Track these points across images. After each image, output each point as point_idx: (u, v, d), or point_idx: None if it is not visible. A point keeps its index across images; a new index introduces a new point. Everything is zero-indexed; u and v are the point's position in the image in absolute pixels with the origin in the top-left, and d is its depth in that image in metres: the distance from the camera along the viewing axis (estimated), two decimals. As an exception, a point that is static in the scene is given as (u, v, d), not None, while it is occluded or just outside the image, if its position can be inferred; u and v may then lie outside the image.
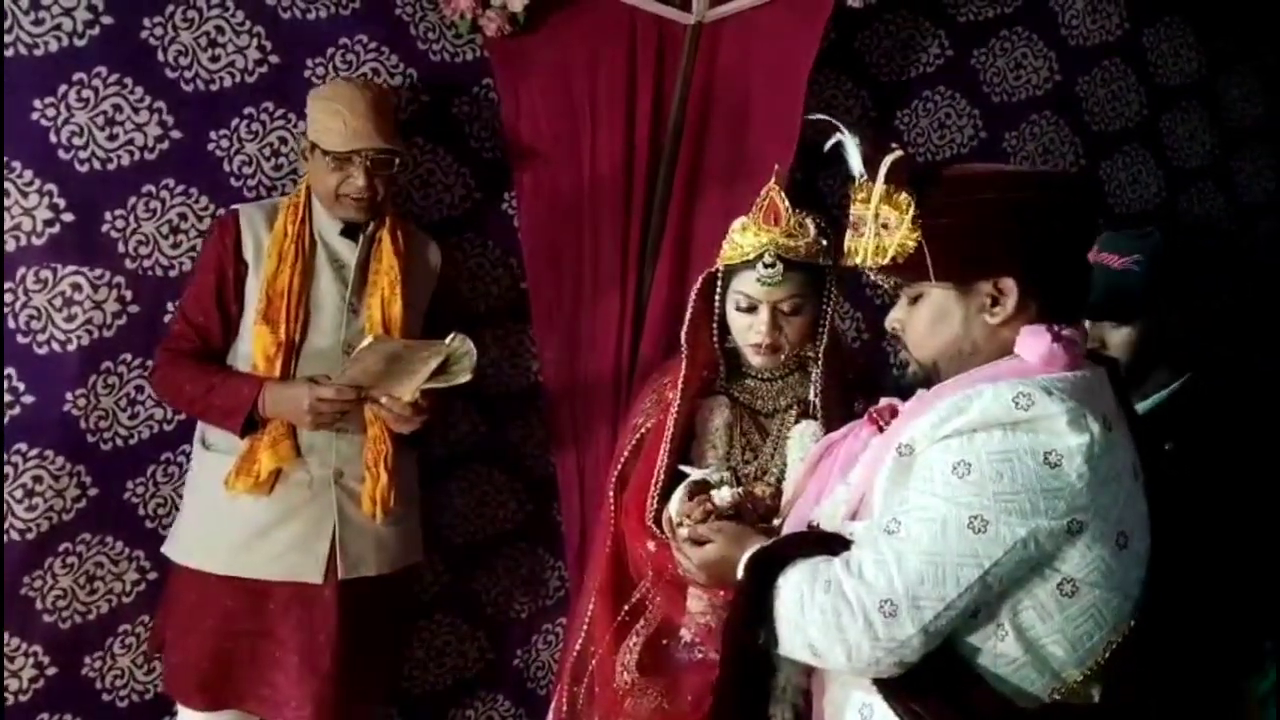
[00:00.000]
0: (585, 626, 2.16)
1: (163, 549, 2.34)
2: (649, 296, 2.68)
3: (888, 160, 1.46)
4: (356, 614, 2.28)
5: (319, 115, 2.25)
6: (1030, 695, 1.42)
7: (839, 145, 1.54)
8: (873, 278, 1.56)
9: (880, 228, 1.48)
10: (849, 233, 1.55)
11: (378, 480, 2.25)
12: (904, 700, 1.42)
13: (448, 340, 2.14)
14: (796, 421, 2.07)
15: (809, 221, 2.01)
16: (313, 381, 2.17)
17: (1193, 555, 1.53)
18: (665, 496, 1.98)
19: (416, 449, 2.41)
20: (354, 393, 2.15)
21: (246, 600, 2.24)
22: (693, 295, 2.10)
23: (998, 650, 1.41)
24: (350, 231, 2.32)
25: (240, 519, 2.22)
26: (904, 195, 1.46)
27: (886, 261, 1.48)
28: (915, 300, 1.52)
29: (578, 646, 2.17)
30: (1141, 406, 2.02)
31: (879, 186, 1.47)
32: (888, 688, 1.43)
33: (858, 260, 1.53)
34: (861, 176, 1.51)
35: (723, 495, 1.75)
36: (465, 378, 2.17)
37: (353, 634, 2.28)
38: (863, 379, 2.19)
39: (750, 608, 1.49)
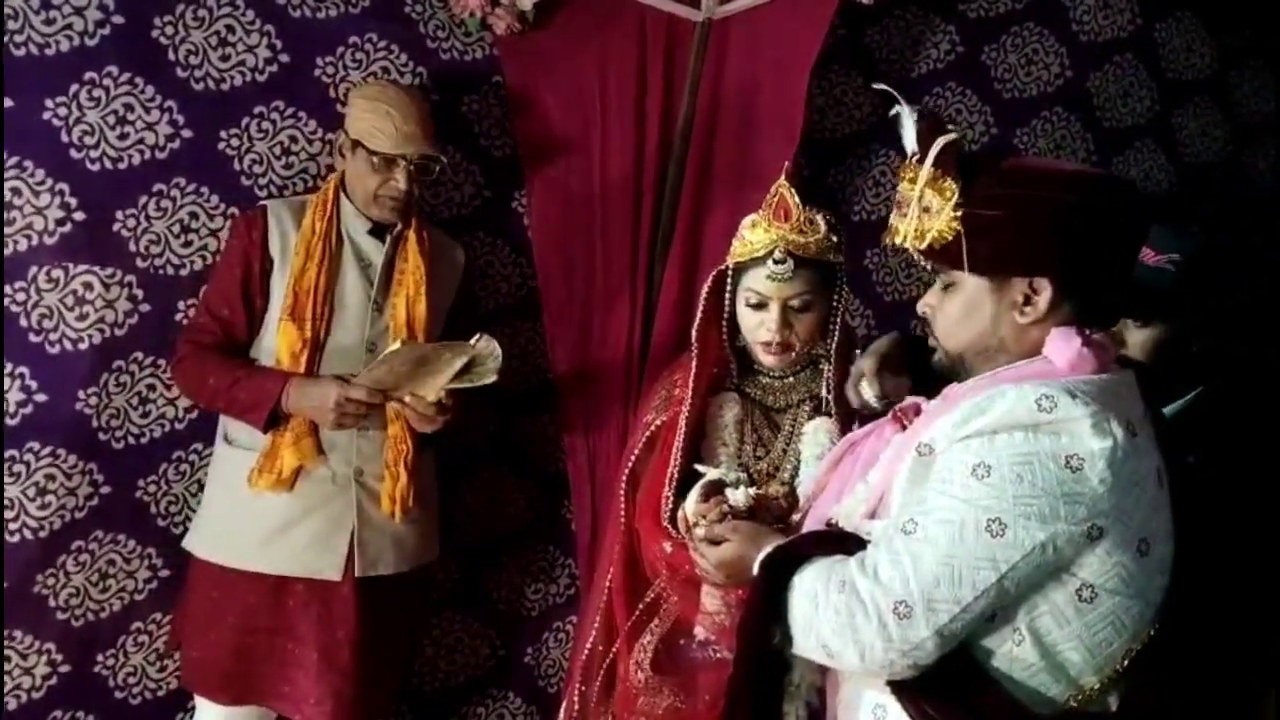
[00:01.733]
0: (597, 625, 2.16)
1: (184, 543, 2.35)
2: (659, 293, 2.68)
3: (938, 143, 1.43)
4: (374, 611, 2.29)
5: (366, 114, 2.25)
6: (1046, 700, 1.41)
7: (896, 119, 1.51)
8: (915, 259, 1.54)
9: (922, 211, 1.46)
10: (894, 210, 1.53)
11: (397, 480, 2.26)
12: (917, 702, 1.41)
13: (473, 341, 2.15)
14: (810, 418, 2.07)
15: (819, 218, 2.01)
16: (341, 380, 2.18)
17: (1216, 563, 1.52)
18: (680, 495, 1.98)
19: (434, 448, 2.41)
20: (381, 394, 2.16)
21: (267, 596, 2.25)
22: (703, 293, 2.10)
23: (1014, 655, 1.40)
24: (377, 231, 2.33)
25: (262, 515, 2.23)
26: (949, 182, 1.44)
27: (924, 246, 1.46)
28: (949, 287, 1.50)
29: (589, 645, 2.18)
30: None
31: (926, 169, 1.44)
32: (901, 689, 1.42)
33: (897, 240, 1.51)
34: (914, 155, 1.48)
35: (738, 495, 1.74)
36: (491, 378, 2.17)
37: (371, 631, 2.29)
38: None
39: (765, 607, 1.48)
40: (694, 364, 2.08)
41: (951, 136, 1.44)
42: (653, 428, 2.14)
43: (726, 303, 2.08)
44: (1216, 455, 1.87)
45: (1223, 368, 2.04)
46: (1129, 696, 1.42)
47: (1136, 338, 1.99)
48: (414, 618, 2.53)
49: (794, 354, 2.05)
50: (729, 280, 2.07)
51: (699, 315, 2.10)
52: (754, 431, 2.09)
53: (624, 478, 2.17)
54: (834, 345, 2.06)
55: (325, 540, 2.25)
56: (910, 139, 1.49)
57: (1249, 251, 3.16)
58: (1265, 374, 2.18)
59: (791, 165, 2.10)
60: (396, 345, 2.10)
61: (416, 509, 2.30)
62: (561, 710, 2.24)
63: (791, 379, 2.11)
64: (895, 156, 2.79)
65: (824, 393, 2.08)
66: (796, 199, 2.00)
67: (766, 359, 2.06)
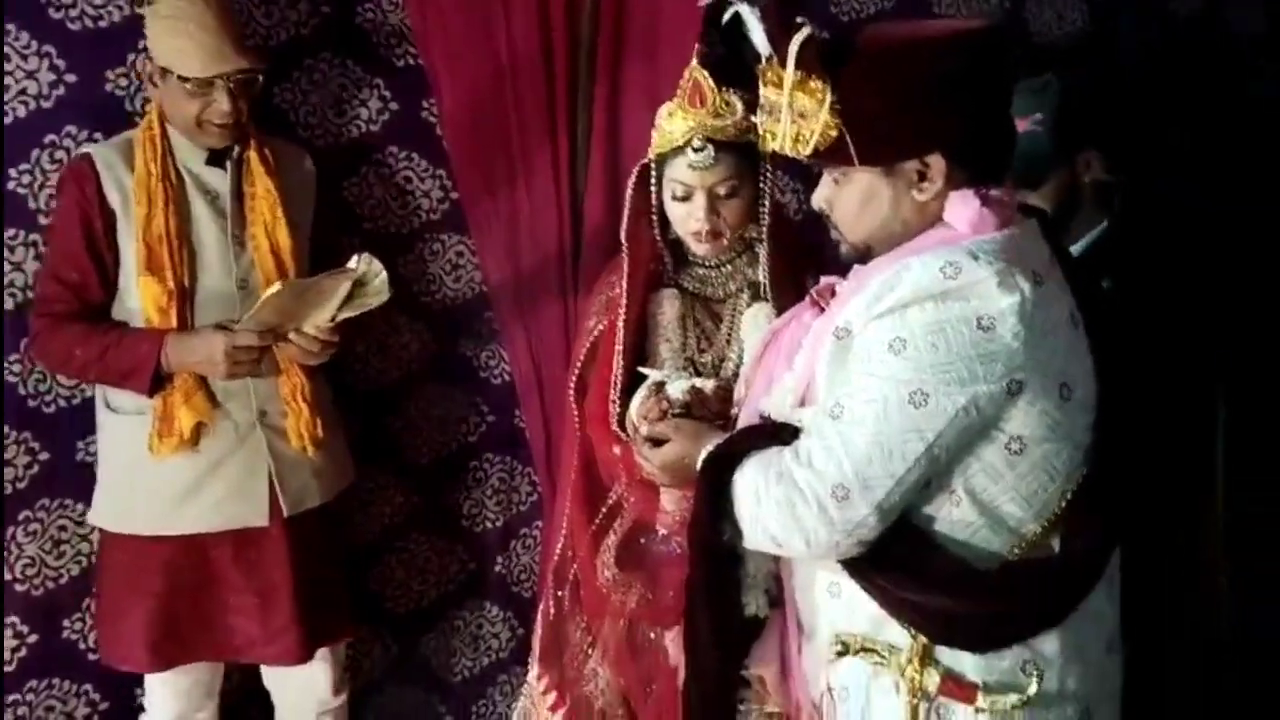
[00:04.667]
0: (565, 532, 2.17)
1: (89, 518, 2.30)
2: (584, 191, 2.62)
3: (795, 42, 1.39)
4: (305, 545, 2.26)
5: (165, 36, 2.08)
6: (991, 555, 1.44)
7: (739, 21, 1.46)
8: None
9: (797, 116, 1.42)
10: (761, 114, 1.49)
11: (300, 414, 2.20)
12: (868, 576, 1.45)
13: (352, 264, 2.05)
14: (748, 305, 2.06)
15: (735, 99, 1.95)
16: (223, 328, 2.09)
17: (1140, 390, 1.55)
18: (627, 397, 1.98)
19: (325, 374, 2.33)
20: (271, 336, 2.08)
21: (188, 555, 2.20)
22: (629, 189, 2.06)
23: (954, 517, 1.43)
24: (217, 159, 2.19)
25: (168, 477, 2.15)
26: (817, 82, 1.40)
27: (808, 151, 1.44)
28: (840, 180, 1.49)
29: (558, 551, 2.19)
30: (1074, 250, 2.02)
31: (790, 73, 1.40)
32: (852, 565, 1.46)
33: (774, 146, 1.48)
34: (768, 56, 1.43)
35: (674, 389, 1.74)
36: (381, 299, 2.09)
37: (306, 564, 2.26)
38: (811, 254, 2.16)
39: (710, 506, 1.49)
40: (626, 264, 2.05)
41: (806, 33, 1.40)
42: (595, 333, 2.12)
43: (653, 196, 2.04)
44: (1131, 283, 1.92)
45: (1137, 204, 2.08)
46: (1068, 536, 1.46)
47: (1035, 199, 1.97)
48: (343, 541, 2.50)
49: (725, 241, 2.03)
50: (652, 173, 2.03)
51: (626, 213, 2.06)
52: (696, 325, 2.08)
53: (572, 385, 2.16)
54: (765, 227, 2.04)
55: (244, 488, 2.19)
56: (761, 40, 1.44)
57: (1171, 81, 3.12)
58: (1177, 209, 2.22)
59: (703, 46, 2.03)
60: (276, 287, 2.01)
61: (326, 438, 2.26)
62: (538, 615, 2.26)
63: (729, 267, 2.08)
64: (818, 25, 2.71)
65: (761, 278, 2.06)
66: (711, 82, 1.94)
67: (699, 248, 2.04)
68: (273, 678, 2.42)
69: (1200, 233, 2.17)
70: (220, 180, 2.19)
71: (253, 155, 2.20)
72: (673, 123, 1.96)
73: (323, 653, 2.36)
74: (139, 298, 2.12)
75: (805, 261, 2.09)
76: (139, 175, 2.12)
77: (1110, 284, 1.88)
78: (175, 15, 2.08)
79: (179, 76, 2.08)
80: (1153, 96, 2.77)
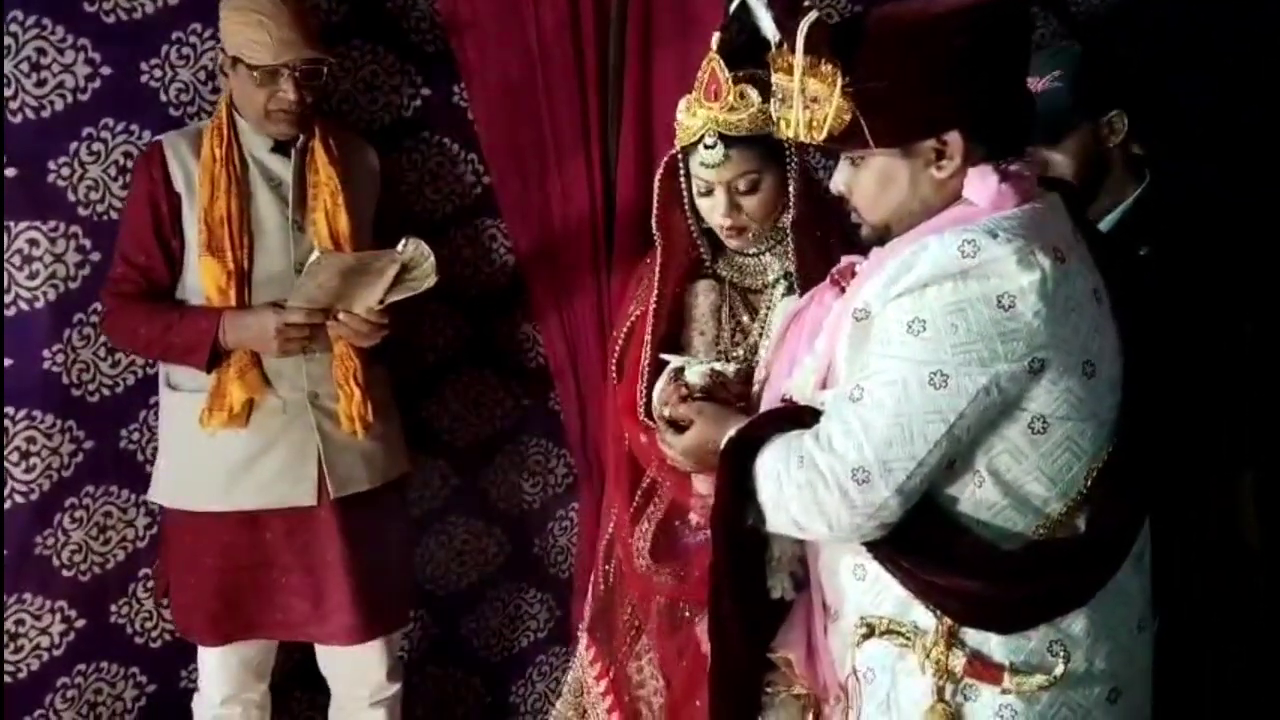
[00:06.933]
0: (612, 509, 2.17)
1: (149, 495, 2.35)
2: (617, 174, 2.61)
3: (803, 27, 1.37)
4: (358, 529, 2.30)
5: (239, 27, 2.14)
6: (1015, 535, 1.42)
7: (744, 9, 1.45)
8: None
9: (810, 101, 1.40)
10: (775, 102, 1.47)
11: (351, 397, 2.24)
12: (893, 558, 1.44)
13: (400, 247, 2.09)
14: (783, 297, 2.02)
15: (750, 90, 1.86)
16: (276, 306, 2.14)
17: (1168, 365, 1.52)
18: (654, 385, 1.97)
19: (385, 363, 2.38)
20: (321, 315, 2.12)
21: (243, 533, 2.26)
22: (657, 180, 2.03)
23: (977, 498, 1.42)
24: (281, 147, 2.25)
25: (221, 454, 2.22)
26: (828, 66, 1.38)
27: (823, 136, 1.41)
28: (858, 163, 1.46)
29: (609, 529, 2.18)
30: (1108, 221, 1.99)
31: (799, 58, 1.38)
32: (876, 547, 1.44)
33: (790, 134, 1.45)
34: (777, 42, 1.42)
35: (693, 373, 1.73)
36: (429, 283, 2.13)
37: (359, 548, 2.30)
38: (847, 240, 2.12)
39: (733, 491, 1.49)
40: (659, 254, 2.03)
41: (813, 17, 1.38)
42: (631, 318, 2.11)
43: (684, 186, 2.01)
44: (1160, 246, 1.90)
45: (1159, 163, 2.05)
46: (1095, 515, 1.43)
47: (1057, 158, 1.97)
48: (399, 531, 2.52)
49: (750, 234, 1.98)
50: (680, 165, 1.99)
51: (655, 204, 2.03)
52: (731, 317, 2.04)
53: (612, 368, 2.15)
54: (791, 218, 1.99)
55: (293, 468, 2.24)
56: (769, 28, 1.42)
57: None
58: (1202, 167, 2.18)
59: (724, 34, 1.99)
60: (316, 255, 2.06)
61: (379, 424, 2.29)
62: (589, 588, 2.26)
63: (766, 256, 2.03)
64: (846, 3, 2.68)
65: (792, 268, 2.02)
66: (726, 73, 1.86)
67: (728, 241, 2.00)
68: (328, 663, 2.46)
69: (1229, 208, 2.11)
70: (283, 167, 2.25)
71: (317, 145, 2.25)
72: (690, 117, 1.90)
73: (377, 640, 2.39)
74: (200, 278, 2.19)
75: (843, 246, 2.05)
76: (204, 160, 2.20)
77: (1147, 251, 1.85)
78: (247, 7, 2.15)
79: (248, 66, 2.14)
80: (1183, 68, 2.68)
